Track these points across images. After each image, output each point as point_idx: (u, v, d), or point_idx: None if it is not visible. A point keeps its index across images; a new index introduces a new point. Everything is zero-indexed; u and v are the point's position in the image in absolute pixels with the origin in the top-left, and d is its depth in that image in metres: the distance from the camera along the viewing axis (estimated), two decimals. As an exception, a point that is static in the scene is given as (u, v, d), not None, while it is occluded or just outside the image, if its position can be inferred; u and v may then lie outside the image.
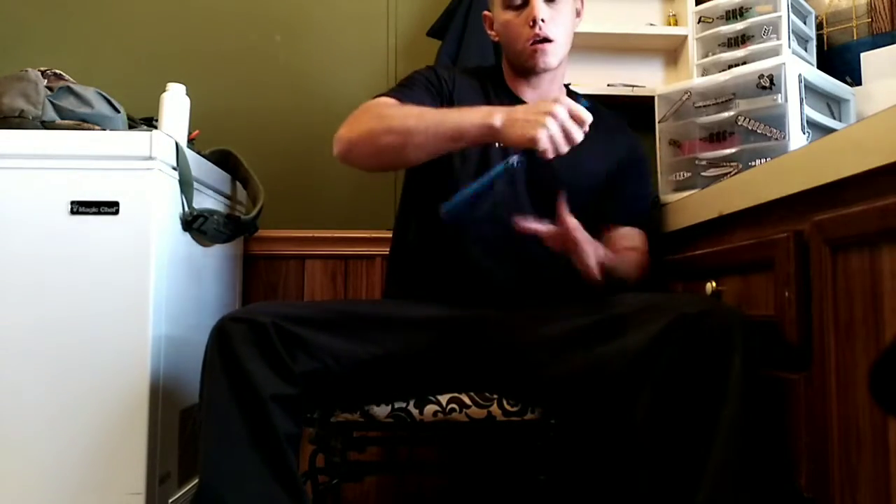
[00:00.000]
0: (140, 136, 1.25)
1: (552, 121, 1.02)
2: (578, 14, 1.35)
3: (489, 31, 1.38)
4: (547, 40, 1.25)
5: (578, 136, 1.03)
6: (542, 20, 1.24)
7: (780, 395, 0.89)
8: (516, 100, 1.32)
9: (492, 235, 1.23)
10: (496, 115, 1.06)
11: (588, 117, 1.04)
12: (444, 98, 1.29)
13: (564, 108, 1.03)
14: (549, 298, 1.21)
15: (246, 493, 1.00)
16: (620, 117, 1.42)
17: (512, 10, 1.27)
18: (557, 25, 1.27)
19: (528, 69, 1.30)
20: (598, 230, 1.30)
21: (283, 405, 1.03)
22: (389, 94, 1.27)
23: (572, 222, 1.09)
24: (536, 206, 1.24)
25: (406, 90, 1.28)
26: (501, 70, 1.38)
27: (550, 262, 1.22)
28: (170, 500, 1.29)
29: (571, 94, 1.40)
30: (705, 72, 1.63)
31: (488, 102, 1.29)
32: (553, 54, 1.27)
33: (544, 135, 1.01)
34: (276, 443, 1.02)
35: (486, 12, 1.38)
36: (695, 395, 0.87)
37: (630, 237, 1.31)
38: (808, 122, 1.37)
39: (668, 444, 0.89)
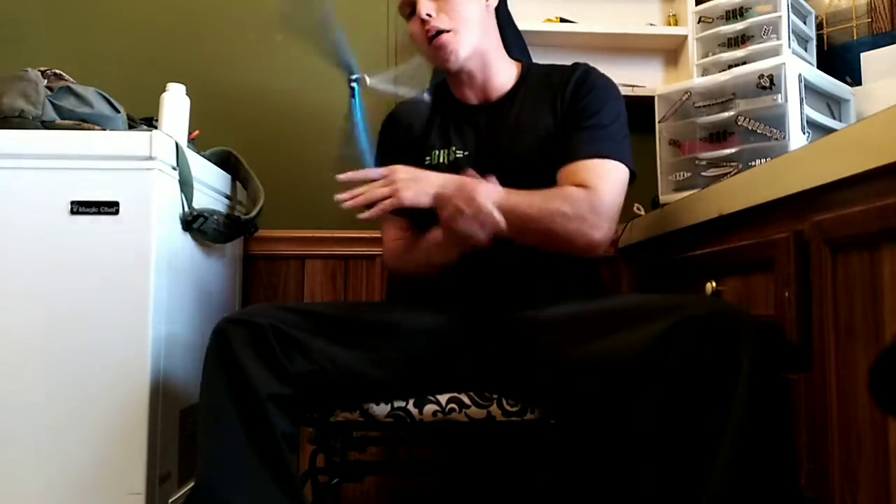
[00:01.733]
0: (140, 136, 1.25)
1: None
2: None
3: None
4: (441, 32, 1.22)
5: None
6: (429, 15, 1.22)
7: (785, 396, 0.89)
8: (462, 107, 1.32)
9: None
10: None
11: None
12: (406, 141, 1.33)
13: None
14: (545, 295, 1.20)
15: (242, 489, 1.00)
16: (577, 65, 1.31)
17: (409, 20, 1.27)
18: (450, 15, 1.23)
19: (444, 70, 1.29)
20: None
21: (280, 405, 1.04)
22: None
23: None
24: None
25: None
26: (447, 82, 1.37)
27: (545, 259, 1.22)
28: (170, 501, 1.29)
29: (532, 67, 1.36)
30: (705, 72, 1.63)
31: (431, 119, 1.33)
32: (453, 44, 1.23)
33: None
34: (272, 441, 1.02)
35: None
36: (702, 396, 0.87)
37: (575, 174, 1.16)
38: (808, 122, 1.37)
39: (674, 445, 0.89)
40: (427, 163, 1.29)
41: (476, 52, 1.27)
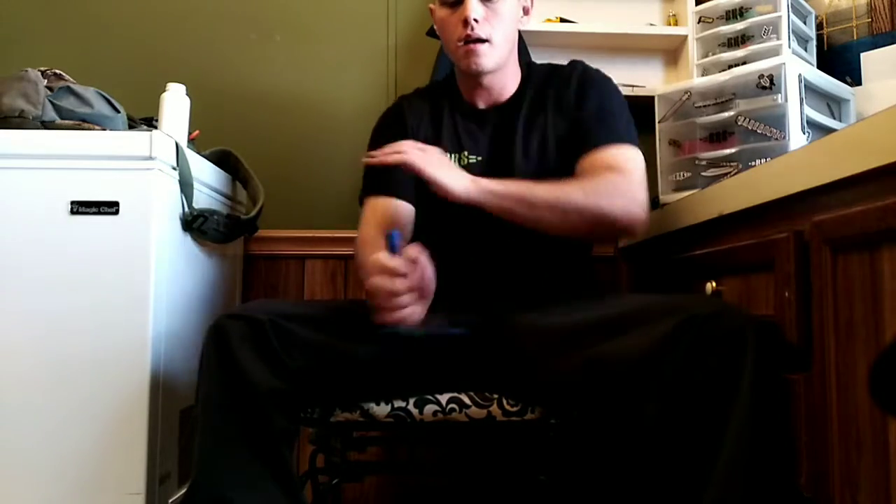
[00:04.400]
0: (140, 136, 1.25)
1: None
2: (526, 12, 1.32)
3: (435, 25, 1.33)
4: (479, 41, 1.22)
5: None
6: (476, 20, 1.21)
7: (788, 396, 0.88)
8: (469, 110, 1.32)
9: (484, 237, 1.24)
10: None
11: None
12: (414, 138, 1.28)
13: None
14: (547, 296, 1.21)
15: (240, 487, 1.00)
16: (574, 64, 1.33)
17: (447, 7, 1.25)
18: (493, 26, 1.23)
19: (463, 70, 1.28)
20: None
21: (279, 402, 1.04)
22: (370, 193, 1.30)
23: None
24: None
25: (380, 182, 1.30)
26: (455, 82, 1.36)
27: (544, 260, 1.22)
28: (170, 501, 1.29)
29: (531, 68, 1.38)
30: (705, 72, 1.63)
31: (440, 120, 1.32)
32: (486, 56, 1.23)
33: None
34: (270, 439, 1.02)
35: (430, 5, 1.34)
36: (706, 396, 0.87)
37: (602, 159, 1.18)
38: (808, 122, 1.37)
39: (677, 445, 0.89)
40: None
41: (499, 66, 1.28)
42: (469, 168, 1.26)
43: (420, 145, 1.13)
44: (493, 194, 1.09)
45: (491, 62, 1.25)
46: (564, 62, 1.35)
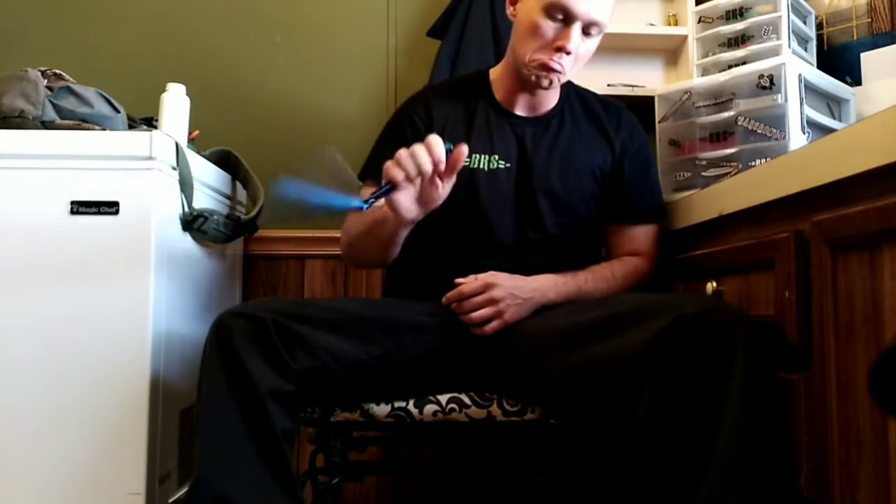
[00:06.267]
0: (140, 136, 1.26)
1: (407, 159, 1.04)
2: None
3: (509, 7, 1.28)
4: (558, 71, 1.21)
5: (427, 165, 1.04)
6: (569, 52, 1.19)
7: (781, 394, 0.89)
8: (505, 113, 1.30)
9: (488, 240, 1.24)
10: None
11: (440, 152, 1.04)
12: (442, 131, 1.26)
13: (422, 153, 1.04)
14: None
15: (241, 486, 1.00)
16: (618, 104, 1.38)
17: (550, 18, 1.18)
18: (576, 62, 1.23)
19: (526, 81, 1.25)
20: (598, 232, 1.33)
21: (281, 401, 1.03)
22: (368, 176, 1.31)
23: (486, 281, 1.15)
24: (521, 211, 1.26)
25: (378, 169, 1.24)
26: (488, 78, 1.34)
27: (545, 265, 1.22)
28: (170, 500, 1.29)
29: (570, 87, 1.39)
30: (705, 72, 1.63)
31: (472, 118, 1.29)
32: (556, 84, 1.25)
33: (398, 175, 1.04)
34: (272, 438, 1.02)
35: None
36: (698, 394, 0.87)
37: (636, 240, 1.32)
38: (808, 122, 1.37)
39: (671, 444, 0.89)
40: (466, 164, 1.24)
41: (555, 88, 1.29)
42: (497, 173, 1.26)
43: (505, 292, 1.15)
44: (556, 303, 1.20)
45: (554, 85, 1.25)
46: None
